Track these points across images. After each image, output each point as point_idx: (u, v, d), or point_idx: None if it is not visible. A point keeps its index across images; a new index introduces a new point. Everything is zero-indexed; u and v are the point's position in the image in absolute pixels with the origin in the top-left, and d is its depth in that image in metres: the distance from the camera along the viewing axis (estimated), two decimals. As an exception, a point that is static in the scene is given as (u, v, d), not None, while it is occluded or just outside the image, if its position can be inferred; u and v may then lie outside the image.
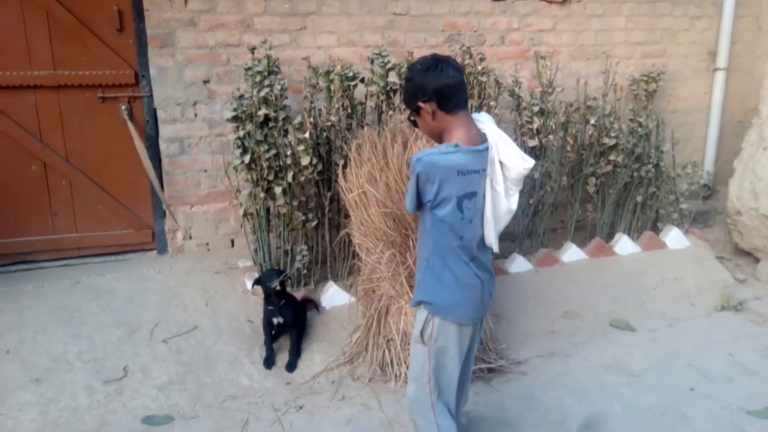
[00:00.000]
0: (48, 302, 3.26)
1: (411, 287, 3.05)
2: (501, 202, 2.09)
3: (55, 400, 2.79)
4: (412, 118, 2.17)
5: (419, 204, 2.05)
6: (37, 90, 3.50)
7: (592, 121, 4.08)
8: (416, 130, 2.97)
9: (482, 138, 2.07)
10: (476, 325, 2.25)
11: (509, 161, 2.06)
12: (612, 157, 4.17)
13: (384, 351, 3.15)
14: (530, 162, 2.09)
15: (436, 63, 2.03)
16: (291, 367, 3.15)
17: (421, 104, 2.04)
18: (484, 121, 2.16)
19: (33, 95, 3.50)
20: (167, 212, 3.71)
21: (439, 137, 2.10)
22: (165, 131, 3.66)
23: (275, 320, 3.15)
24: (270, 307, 3.16)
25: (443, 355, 2.16)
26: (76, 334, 3.09)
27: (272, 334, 3.20)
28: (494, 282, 2.24)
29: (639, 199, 4.40)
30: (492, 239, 2.11)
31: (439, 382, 2.18)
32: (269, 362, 3.14)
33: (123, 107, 3.60)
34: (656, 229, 4.54)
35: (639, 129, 4.25)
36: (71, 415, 2.73)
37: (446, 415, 2.19)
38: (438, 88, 2.00)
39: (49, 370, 2.91)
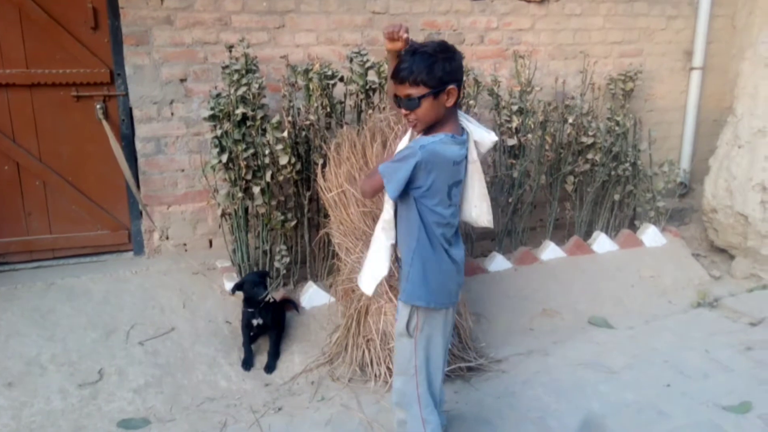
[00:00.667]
0: (21, 304, 3.20)
1: (390, 287, 3.05)
2: (477, 181, 2.18)
3: (28, 404, 2.74)
4: (416, 97, 1.99)
5: (404, 192, 2.03)
6: (10, 88, 3.43)
7: (570, 120, 4.11)
8: (395, 127, 2.97)
9: (462, 129, 2.12)
10: (454, 308, 2.31)
11: (480, 138, 2.14)
12: (590, 156, 4.20)
13: (364, 351, 3.13)
14: (494, 135, 2.17)
15: (454, 49, 2.02)
16: (270, 368, 3.13)
17: (453, 87, 1.99)
18: (463, 117, 2.20)
19: (5, 94, 3.43)
20: (143, 212, 3.67)
21: (431, 127, 2.07)
22: (141, 130, 3.61)
23: (255, 321, 3.13)
24: (250, 309, 3.13)
25: (429, 345, 2.20)
26: (50, 337, 3.04)
27: (251, 336, 3.18)
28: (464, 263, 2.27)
29: (616, 197, 4.44)
30: (485, 219, 2.23)
31: (427, 374, 2.21)
32: (248, 364, 3.11)
33: (98, 106, 3.54)
34: (633, 227, 4.59)
35: (616, 128, 4.28)
36: (45, 420, 2.69)
37: (432, 409, 2.23)
38: (461, 77, 2.02)
39: (23, 373, 2.85)
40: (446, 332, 2.26)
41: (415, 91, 1.99)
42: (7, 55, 3.39)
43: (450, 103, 2.02)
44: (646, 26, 4.81)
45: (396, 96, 2.07)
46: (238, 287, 3.14)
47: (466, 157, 2.10)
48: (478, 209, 2.21)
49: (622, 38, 4.76)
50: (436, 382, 2.27)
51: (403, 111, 2.06)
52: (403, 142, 2.26)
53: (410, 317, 2.16)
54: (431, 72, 1.96)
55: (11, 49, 3.39)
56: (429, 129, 2.08)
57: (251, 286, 3.09)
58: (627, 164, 4.36)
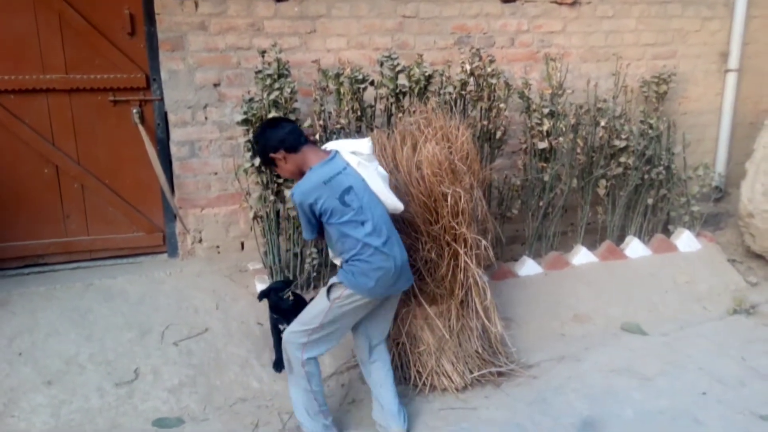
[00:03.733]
0: (60, 304, 3.29)
1: (420, 290, 3.06)
2: (374, 175, 2.59)
3: (67, 402, 2.80)
4: (274, 171, 2.79)
5: (320, 225, 2.54)
6: (50, 93, 3.53)
7: (603, 123, 4.07)
8: (425, 131, 2.98)
9: (328, 152, 2.59)
10: (384, 299, 2.68)
11: (355, 147, 2.60)
12: (622, 159, 4.15)
13: (393, 354, 3.14)
14: (366, 140, 2.64)
15: (270, 122, 2.71)
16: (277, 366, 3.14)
17: (273, 155, 2.57)
18: (329, 144, 2.72)
19: (45, 99, 3.53)
20: (177, 216, 3.73)
21: (299, 173, 2.57)
22: (176, 134, 3.68)
23: (281, 327, 3.14)
24: (275, 315, 3.13)
25: (340, 317, 2.57)
26: (88, 336, 3.11)
27: (280, 338, 3.20)
28: (406, 256, 2.65)
29: (650, 201, 4.38)
30: (393, 201, 2.63)
31: (326, 335, 2.58)
32: (278, 365, 3.14)
33: (134, 110, 3.62)
34: (667, 232, 4.52)
35: (650, 131, 4.23)
36: (83, 417, 2.75)
37: (315, 361, 2.62)
38: (280, 138, 2.54)
39: (61, 372, 2.93)
40: (366, 311, 2.63)
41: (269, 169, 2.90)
42: (47, 61, 3.48)
43: (283, 163, 2.57)
44: (680, 28, 4.74)
45: None
46: (264, 295, 3.13)
47: (346, 168, 2.51)
48: (386, 197, 2.61)
49: (655, 40, 4.70)
50: (331, 344, 2.67)
51: None
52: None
53: (335, 288, 2.54)
54: (260, 159, 2.75)
55: (51, 55, 3.48)
56: (300, 174, 2.57)
57: (276, 293, 3.09)
58: (660, 168, 4.29)
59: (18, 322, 3.14)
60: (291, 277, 3.54)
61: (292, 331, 2.62)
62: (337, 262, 2.65)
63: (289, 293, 3.05)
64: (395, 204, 2.64)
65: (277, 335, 3.18)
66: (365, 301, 2.55)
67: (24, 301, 3.29)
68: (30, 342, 3.05)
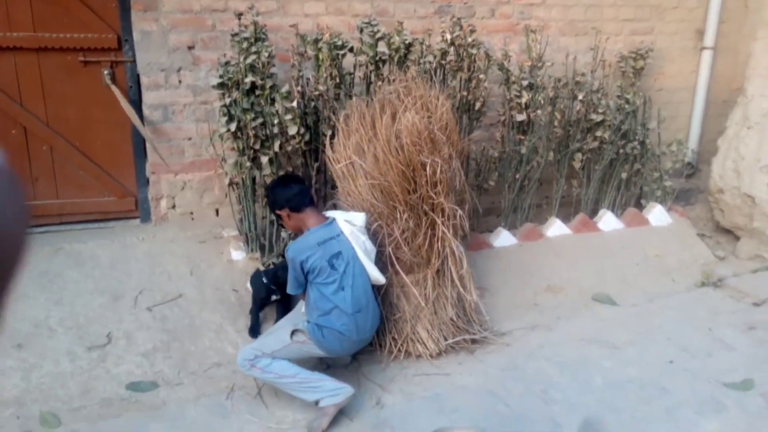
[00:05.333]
0: (29, 269, 3.21)
1: (398, 259, 3.06)
2: (363, 247, 2.78)
3: (37, 365, 2.76)
4: (279, 222, 2.98)
5: (306, 282, 2.68)
6: (17, 52, 3.40)
7: (580, 97, 4.09)
8: (405, 100, 2.96)
9: (326, 217, 2.83)
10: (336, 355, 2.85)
11: (349, 217, 2.82)
12: (599, 134, 4.18)
13: (369, 321, 3.15)
14: (360, 214, 2.88)
15: (282, 179, 2.95)
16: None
17: (278, 212, 2.82)
18: (329, 211, 2.92)
19: (12, 57, 3.41)
20: (151, 147, 3.61)
21: (299, 229, 2.81)
22: (148, 97, 3.59)
23: (273, 297, 3.15)
24: (273, 287, 3.14)
25: (295, 353, 2.65)
26: (58, 301, 3.06)
27: (262, 306, 3.19)
28: (374, 330, 2.87)
29: (624, 175, 4.43)
30: (376, 274, 2.80)
31: (273, 359, 2.62)
32: (254, 331, 3.13)
33: (105, 72, 3.52)
34: (640, 206, 4.59)
35: (626, 106, 4.26)
36: (54, 381, 2.72)
37: (265, 360, 2.62)
38: (287, 198, 2.78)
39: (31, 335, 2.88)
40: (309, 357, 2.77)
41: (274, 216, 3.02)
42: (14, 18, 3.35)
43: (287, 219, 2.81)
44: (658, 4, 4.76)
45: None
46: (272, 275, 3.13)
47: (339, 234, 2.72)
48: (371, 269, 2.78)
49: (633, 15, 4.71)
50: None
51: None
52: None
53: (299, 333, 2.64)
54: (269, 204, 2.97)
55: (18, 12, 3.35)
56: (299, 231, 2.81)
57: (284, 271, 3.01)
58: (635, 143, 4.34)
59: (-15, 285, 3.07)
60: (266, 245, 3.51)
61: (246, 349, 2.67)
62: (306, 318, 2.73)
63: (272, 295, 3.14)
64: (378, 277, 2.81)
65: (262, 303, 3.16)
66: (319, 353, 2.69)
67: (-9, 264, 3.21)
68: (-2, 306, 2.98)
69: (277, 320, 3.19)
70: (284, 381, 2.60)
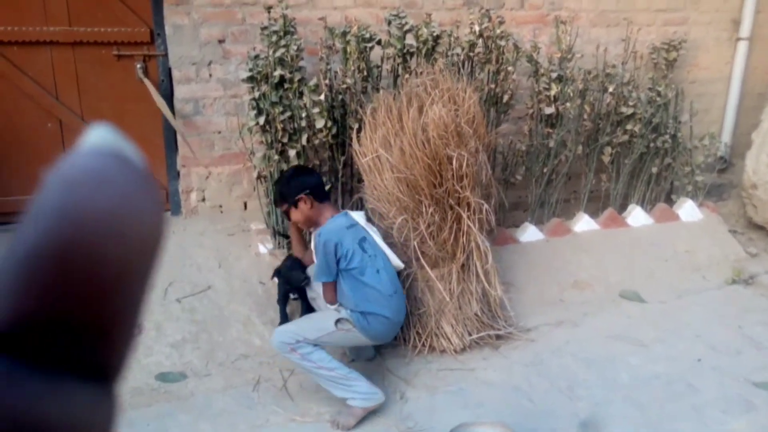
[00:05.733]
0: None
1: (423, 253, 3.07)
2: (377, 234, 2.83)
3: (71, 354, 2.84)
4: (285, 211, 2.80)
5: (337, 271, 2.62)
6: (53, 46, 3.48)
7: (611, 90, 4.03)
8: (432, 93, 2.96)
9: (339, 210, 2.86)
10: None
11: (353, 214, 2.82)
12: (629, 127, 4.12)
13: (394, 315, 3.18)
14: (360, 213, 2.87)
15: (304, 168, 2.94)
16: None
17: (303, 196, 2.68)
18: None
19: (49, 51, 3.49)
20: (182, 141, 3.65)
21: (312, 223, 2.75)
22: (180, 91, 3.65)
23: (291, 296, 3.15)
24: (287, 286, 3.10)
25: (338, 340, 2.66)
26: (92, 291, 3.14)
27: (286, 304, 3.21)
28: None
29: (654, 170, 4.37)
30: (395, 258, 2.82)
31: (315, 346, 2.59)
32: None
33: (138, 66, 3.58)
34: (670, 201, 4.51)
35: (657, 98, 4.18)
36: (87, 369, 2.79)
37: (309, 347, 2.58)
38: (314, 183, 2.74)
39: (66, 325, 2.96)
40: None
41: (281, 209, 2.84)
42: (50, 13, 3.43)
43: (307, 207, 2.70)
44: (693, -7, 4.66)
45: None
46: (276, 273, 3.09)
47: (356, 224, 2.72)
48: (390, 253, 2.79)
49: (667, 5, 4.61)
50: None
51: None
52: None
53: (344, 322, 2.60)
54: (282, 194, 2.77)
55: (54, 7, 3.43)
56: (313, 224, 2.75)
57: (288, 270, 3.03)
58: (667, 136, 4.27)
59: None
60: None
61: (283, 331, 2.61)
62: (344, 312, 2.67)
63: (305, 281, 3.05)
64: (397, 262, 2.84)
65: (285, 302, 3.19)
66: (364, 341, 2.68)
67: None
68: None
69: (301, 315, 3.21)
70: (321, 372, 2.57)
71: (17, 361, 0.20)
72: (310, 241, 2.94)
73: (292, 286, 3.07)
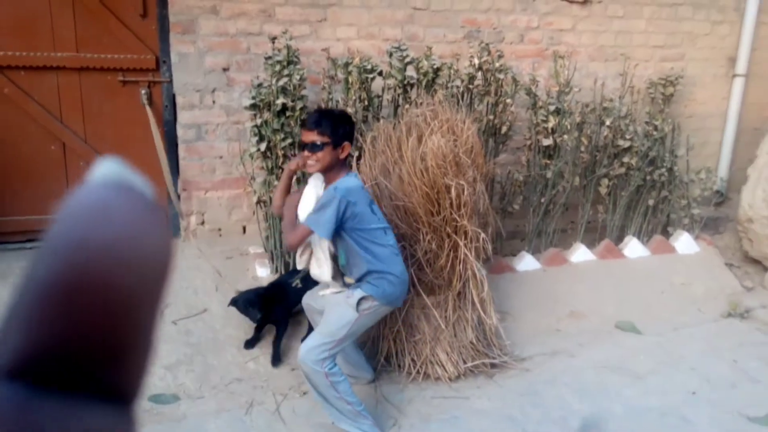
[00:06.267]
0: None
1: (419, 280, 3.09)
2: None
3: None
4: (319, 143, 2.54)
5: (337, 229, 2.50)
6: (60, 71, 3.56)
7: (608, 123, 4.09)
8: (431, 123, 3.01)
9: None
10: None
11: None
12: (626, 160, 4.17)
13: (390, 342, 3.19)
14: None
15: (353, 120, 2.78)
16: (275, 360, 3.12)
17: (347, 143, 2.59)
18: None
19: (56, 76, 3.56)
20: (173, 198, 3.71)
21: (330, 168, 2.59)
22: (183, 117, 3.71)
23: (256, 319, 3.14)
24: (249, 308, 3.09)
25: (363, 326, 2.63)
26: (89, 312, 3.15)
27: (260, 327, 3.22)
28: None
29: (651, 202, 4.40)
30: None
31: (344, 341, 2.58)
32: (250, 344, 3.16)
33: (143, 92, 3.65)
34: (666, 234, 4.54)
35: (654, 132, 4.24)
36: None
37: (336, 366, 2.56)
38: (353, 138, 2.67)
39: (62, 345, 2.97)
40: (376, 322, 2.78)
41: (319, 139, 2.54)
42: (58, 39, 3.51)
43: (343, 155, 2.59)
44: (689, 31, 4.75)
45: (303, 142, 2.62)
46: (233, 302, 3.09)
47: (364, 186, 2.65)
48: None
49: (664, 42, 4.71)
50: (342, 348, 2.64)
51: (306, 153, 2.58)
52: (308, 192, 2.73)
53: (364, 301, 2.55)
54: (335, 128, 2.56)
55: (63, 33, 3.51)
56: (325, 173, 2.61)
57: (245, 305, 3.04)
58: (663, 169, 4.31)
59: (21, 294, 3.18)
60: (291, 262, 3.58)
61: (312, 347, 2.52)
62: (350, 279, 2.68)
63: (297, 281, 3.09)
64: None
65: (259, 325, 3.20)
66: (385, 311, 2.68)
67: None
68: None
69: (277, 339, 3.18)
70: (340, 404, 2.53)
71: (36, 387, 0.22)
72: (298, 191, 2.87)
73: (250, 304, 3.05)
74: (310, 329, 3.17)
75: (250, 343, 3.20)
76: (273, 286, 3.22)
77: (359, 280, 2.61)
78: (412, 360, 3.14)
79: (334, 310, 2.59)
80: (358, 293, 2.56)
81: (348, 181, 2.55)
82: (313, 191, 2.71)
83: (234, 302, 3.09)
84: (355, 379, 2.98)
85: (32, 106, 3.55)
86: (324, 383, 2.51)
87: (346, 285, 2.71)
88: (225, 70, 3.72)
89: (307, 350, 2.52)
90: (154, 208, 0.25)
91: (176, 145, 3.75)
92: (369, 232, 2.54)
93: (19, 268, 3.37)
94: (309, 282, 3.00)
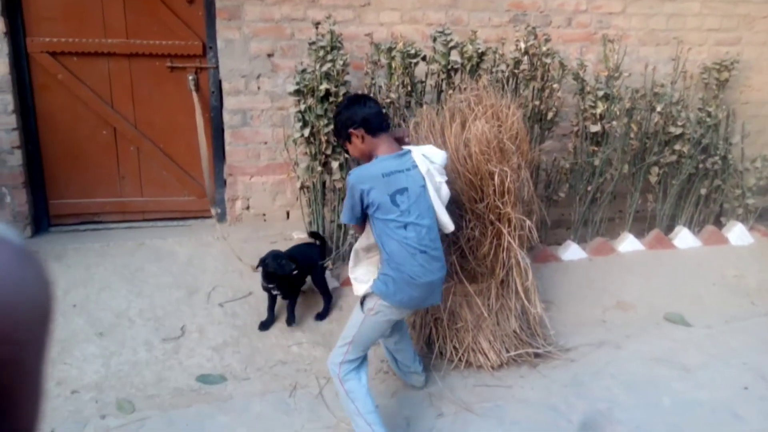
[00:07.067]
0: (113, 261, 3.42)
1: (461, 268, 3.07)
2: (437, 188, 2.52)
3: (116, 353, 2.94)
4: (344, 146, 2.61)
5: (363, 215, 2.44)
6: (111, 57, 3.64)
7: (659, 109, 3.96)
8: (475, 108, 2.97)
9: (400, 147, 2.54)
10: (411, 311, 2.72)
11: (427, 152, 2.53)
12: (677, 147, 4.04)
13: (431, 328, 3.18)
14: (441, 152, 2.56)
15: (359, 98, 2.56)
16: (290, 321, 3.22)
17: (352, 131, 2.47)
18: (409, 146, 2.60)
19: (107, 62, 3.64)
20: (207, 183, 3.73)
21: (369, 157, 2.51)
22: (229, 103, 3.75)
23: (274, 293, 3.19)
24: (269, 284, 3.14)
25: (372, 329, 2.46)
26: (139, 293, 3.24)
27: (274, 302, 3.24)
28: (444, 272, 2.54)
29: (703, 191, 4.26)
30: (446, 219, 2.54)
31: (358, 345, 2.46)
32: (265, 326, 3.19)
33: (190, 77, 3.70)
34: (719, 224, 4.40)
35: (708, 119, 4.10)
36: (131, 369, 2.88)
37: (355, 376, 2.47)
38: (364, 116, 2.45)
39: (113, 325, 3.06)
40: (393, 322, 2.54)
41: (340, 143, 2.69)
42: (109, 26, 3.59)
43: (359, 141, 2.47)
44: (746, 13, 4.56)
45: None
46: (261, 262, 3.10)
47: (410, 169, 2.44)
48: (441, 213, 2.52)
49: (719, 25, 4.53)
50: (362, 351, 2.51)
51: None
52: None
53: (368, 299, 2.44)
54: (336, 128, 2.59)
55: (113, 20, 3.59)
56: (370, 158, 2.51)
57: (275, 260, 3.06)
58: (716, 158, 4.17)
59: (72, 275, 3.29)
60: (333, 248, 3.60)
61: (334, 351, 2.50)
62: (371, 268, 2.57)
63: (290, 263, 3.07)
64: (447, 223, 2.55)
65: (272, 299, 3.23)
66: (397, 312, 2.46)
67: (79, 256, 3.44)
68: (84, 295, 3.19)
69: (288, 316, 3.24)
70: (354, 414, 2.42)
71: None
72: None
73: (272, 277, 3.07)
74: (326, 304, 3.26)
75: (265, 325, 3.20)
76: (295, 248, 3.30)
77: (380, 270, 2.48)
78: (454, 347, 3.12)
79: (354, 312, 2.54)
80: (365, 290, 2.46)
81: (367, 167, 2.44)
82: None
83: (263, 261, 3.07)
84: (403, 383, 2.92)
85: (84, 92, 3.64)
86: (342, 391, 2.44)
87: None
88: (270, 55, 3.73)
89: (331, 355, 2.51)
90: (26, 256, 0.23)
91: (222, 131, 3.79)
92: (386, 223, 2.37)
93: (73, 250, 3.48)
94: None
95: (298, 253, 3.23)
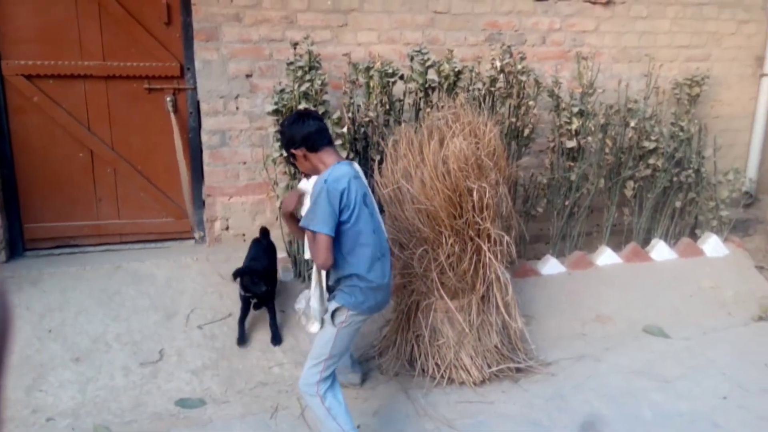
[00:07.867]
0: (90, 285, 3.38)
1: (442, 284, 3.07)
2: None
3: (93, 379, 2.89)
4: (291, 161, 2.65)
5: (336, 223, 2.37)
6: (87, 79, 3.62)
7: (632, 124, 4.04)
8: (453, 126, 3.00)
9: (343, 157, 2.66)
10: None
11: (357, 170, 2.58)
12: (651, 161, 4.12)
13: (413, 346, 3.18)
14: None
15: (299, 116, 2.58)
16: (276, 340, 3.23)
17: (293, 151, 2.53)
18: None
19: (83, 85, 3.62)
20: (186, 205, 3.69)
21: (316, 170, 2.52)
22: (207, 123, 3.75)
23: (252, 302, 3.21)
24: (247, 294, 3.16)
25: (346, 340, 2.51)
26: (116, 317, 3.20)
27: (246, 313, 3.24)
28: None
29: (678, 204, 4.34)
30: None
31: (334, 358, 2.49)
32: (242, 341, 3.19)
33: (168, 99, 3.69)
34: (694, 236, 4.47)
35: (680, 133, 4.18)
36: (108, 395, 2.83)
37: (331, 393, 2.48)
38: (303, 135, 2.49)
39: (89, 350, 3.01)
40: (360, 328, 2.61)
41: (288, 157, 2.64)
42: (86, 48, 3.57)
43: (302, 159, 2.53)
44: (715, 30, 4.68)
45: None
46: (238, 274, 3.11)
47: (357, 175, 2.49)
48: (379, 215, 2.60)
49: (689, 42, 4.64)
50: (337, 364, 2.56)
51: None
52: (304, 189, 2.69)
53: (338, 313, 2.46)
54: (283, 144, 2.61)
55: (90, 42, 3.58)
56: (315, 172, 2.53)
57: (251, 278, 3.09)
58: (690, 171, 4.25)
59: (48, 300, 3.24)
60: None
61: (305, 373, 2.49)
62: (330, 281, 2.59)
63: (262, 284, 3.10)
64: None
65: (245, 311, 3.23)
66: (363, 319, 2.51)
67: (54, 280, 3.39)
68: (60, 319, 3.14)
69: (271, 323, 3.25)
70: (330, 424, 2.43)
71: None
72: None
73: (250, 290, 3.11)
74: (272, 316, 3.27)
75: (241, 340, 3.19)
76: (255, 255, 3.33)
77: (335, 284, 2.51)
78: (436, 364, 3.12)
79: (321, 330, 2.56)
80: (332, 305, 2.47)
81: (336, 170, 2.41)
82: (307, 188, 2.63)
83: (239, 273, 3.08)
84: (343, 385, 2.85)
85: (60, 114, 3.61)
86: (322, 411, 2.43)
87: (328, 290, 2.61)
88: (248, 76, 3.75)
89: (302, 377, 2.50)
90: None
91: (201, 152, 3.78)
92: (361, 228, 2.39)
93: (49, 275, 3.43)
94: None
95: (262, 267, 3.22)
